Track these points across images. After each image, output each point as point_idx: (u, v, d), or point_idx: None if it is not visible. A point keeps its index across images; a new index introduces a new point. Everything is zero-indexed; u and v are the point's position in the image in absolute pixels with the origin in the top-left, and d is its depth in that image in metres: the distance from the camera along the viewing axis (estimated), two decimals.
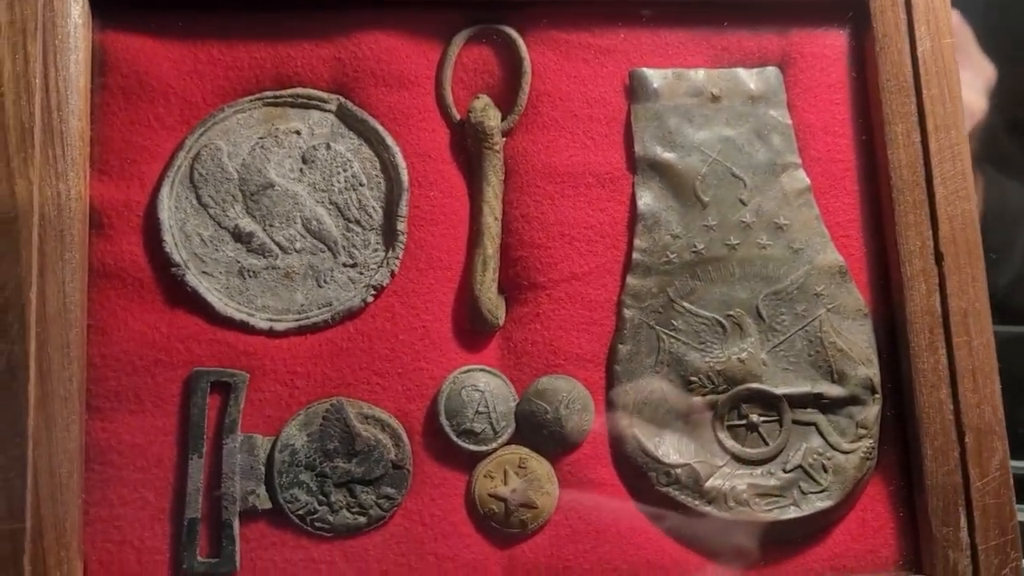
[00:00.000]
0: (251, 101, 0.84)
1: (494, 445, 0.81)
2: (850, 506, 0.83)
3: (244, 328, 0.80)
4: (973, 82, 1.06)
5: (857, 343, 0.84)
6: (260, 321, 0.81)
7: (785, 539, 0.82)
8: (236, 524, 0.77)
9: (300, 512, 0.78)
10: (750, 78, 0.88)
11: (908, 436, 0.84)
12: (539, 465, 0.81)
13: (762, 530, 0.81)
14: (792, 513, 0.81)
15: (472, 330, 0.83)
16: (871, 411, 0.84)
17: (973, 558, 0.80)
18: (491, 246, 0.83)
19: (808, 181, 0.87)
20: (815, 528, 0.82)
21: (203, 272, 0.81)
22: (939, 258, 0.83)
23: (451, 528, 0.79)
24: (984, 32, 1.06)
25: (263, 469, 0.78)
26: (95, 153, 0.81)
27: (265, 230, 0.82)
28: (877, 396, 0.84)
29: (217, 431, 0.78)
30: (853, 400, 0.83)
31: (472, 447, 0.80)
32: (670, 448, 0.82)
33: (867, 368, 0.84)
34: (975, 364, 0.82)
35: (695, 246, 0.85)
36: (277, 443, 0.78)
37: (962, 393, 0.81)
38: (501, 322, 0.83)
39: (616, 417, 0.82)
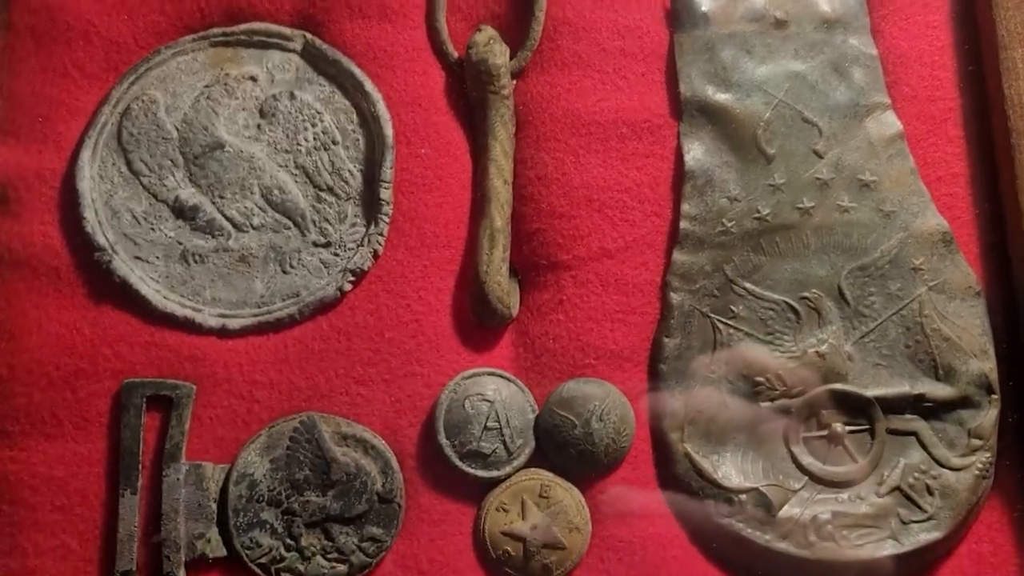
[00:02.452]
0: (195, 41, 0.80)
1: (508, 470, 0.76)
2: (962, 537, 0.77)
3: (189, 327, 0.76)
4: None
5: (968, 329, 0.78)
6: (209, 317, 0.76)
7: None
8: None
9: (262, 560, 0.73)
10: None
11: None
12: (566, 494, 0.75)
13: (852, 570, 0.74)
14: (890, 549, 0.75)
15: (478, 324, 0.79)
16: (987, 416, 0.77)
17: None
18: (500, 217, 0.78)
19: (900, 126, 0.82)
20: (919, 566, 0.76)
21: (135, 257, 0.77)
22: None
23: None
24: None
25: (214, 507, 0.73)
26: None
27: (213, 202, 0.78)
28: (995, 397, 0.77)
29: (156, 459, 0.74)
30: (964, 402, 0.77)
31: (480, 473, 0.75)
32: (732, 469, 0.77)
33: (981, 361, 0.78)
34: None
35: (758, 211, 0.80)
36: (232, 473, 0.74)
37: None
38: (514, 312, 0.79)
39: (662, 430, 0.77)
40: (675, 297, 0.78)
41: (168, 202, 0.77)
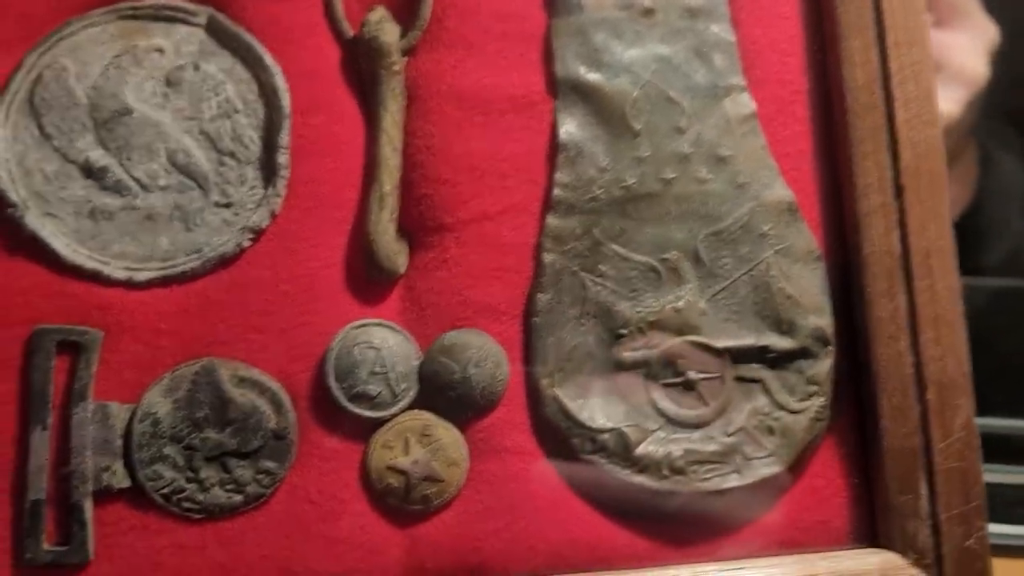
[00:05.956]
0: (104, 14, 0.78)
1: (393, 411, 0.76)
2: (799, 473, 0.80)
3: (97, 279, 0.75)
4: (973, 45, 1.01)
5: (808, 289, 0.80)
6: (116, 270, 0.75)
7: (726, 511, 0.78)
8: (88, 506, 0.72)
9: (164, 491, 0.73)
10: None
11: (863, 393, 0.80)
12: (446, 433, 0.77)
13: (700, 501, 0.77)
14: (734, 481, 0.78)
15: (367, 279, 0.79)
16: (823, 365, 0.80)
17: (934, 528, 0.77)
18: (389, 182, 0.79)
19: (754, 106, 0.83)
20: (760, 498, 0.79)
21: (46, 214, 0.76)
22: (899, 191, 0.79)
23: (343, 506, 0.75)
24: None
25: (120, 442, 0.73)
26: None
27: (121, 164, 0.77)
28: (830, 348, 0.80)
29: (65, 399, 0.73)
30: (803, 353, 0.80)
31: (367, 413, 0.76)
32: (596, 411, 0.78)
33: (819, 317, 0.80)
34: (938, 311, 0.78)
35: (625, 180, 0.81)
36: (137, 412, 0.74)
37: (923, 344, 0.78)
38: (401, 269, 0.79)
39: (534, 376, 0.78)
40: (548, 257, 0.79)
41: (78, 163, 0.76)
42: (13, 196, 0.75)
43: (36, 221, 0.75)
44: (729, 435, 0.78)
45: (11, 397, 0.73)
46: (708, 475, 0.78)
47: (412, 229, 0.80)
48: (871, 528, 0.79)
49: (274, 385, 0.75)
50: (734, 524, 0.78)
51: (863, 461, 0.80)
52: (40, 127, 0.76)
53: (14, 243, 0.75)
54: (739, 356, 0.79)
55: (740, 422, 0.78)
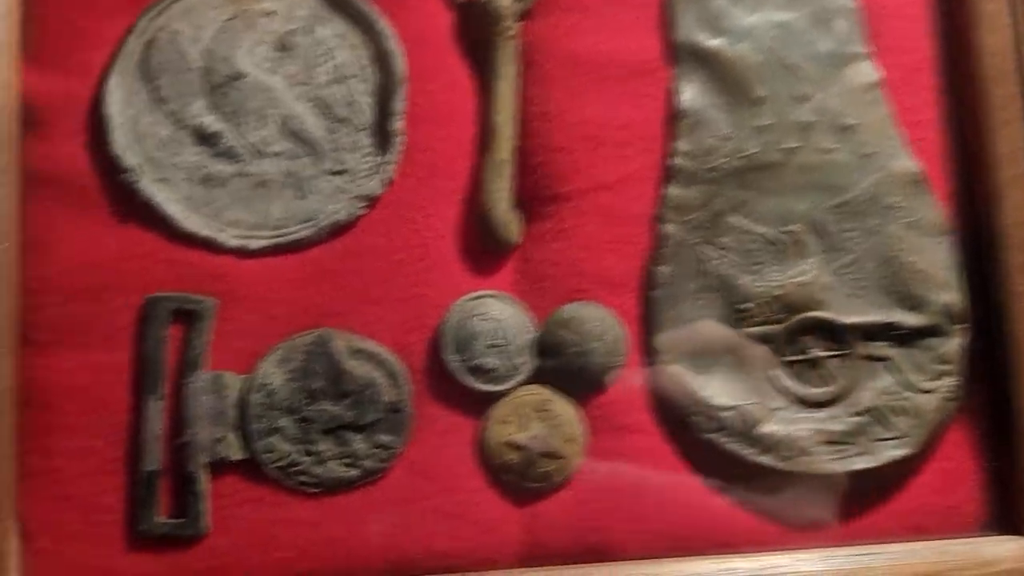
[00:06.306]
0: None
1: (510, 384, 0.75)
2: (929, 455, 0.77)
3: (210, 246, 0.75)
4: None
5: (937, 264, 0.78)
6: (229, 238, 0.75)
7: (853, 494, 0.76)
8: (203, 477, 0.72)
9: (280, 463, 0.73)
10: None
11: (998, 372, 0.78)
12: (563, 408, 0.75)
13: (826, 484, 0.76)
14: (861, 463, 0.75)
15: (482, 249, 0.78)
16: (954, 343, 0.77)
17: None
18: (504, 150, 0.78)
19: (879, 74, 0.81)
20: (888, 481, 0.77)
21: (160, 179, 0.76)
22: None
23: (459, 482, 0.75)
24: None
25: (234, 413, 0.73)
26: (27, 36, 0.76)
27: (234, 130, 0.77)
28: (962, 325, 0.77)
29: (179, 368, 0.73)
30: (933, 331, 0.77)
31: (484, 387, 0.75)
32: (717, 388, 0.76)
33: (949, 293, 0.78)
34: None
35: (746, 150, 0.79)
36: (251, 382, 0.73)
37: None
38: (516, 240, 0.78)
39: (653, 352, 0.77)
40: (667, 228, 0.77)
41: (191, 128, 0.76)
42: (127, 160, 0.75)
43: (150, 187, 0.75)
44: (856, 415, 0.76)
45: (125, 367, 0.74)
46: (834, 456, 0.76)
47: (527, 199, 0.79)
48: (1006, 515, 0.77)
49: (390, 357, 0.75)
50: (860, 508, 0.76)
51: (997, 443, 0.78)
52: (153, 91, 0.76)
53: (127, 210, 0.75)
54: (866, 333, 0.77)
55: (867, 402, 0.76)
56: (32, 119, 0.75)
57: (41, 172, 0.75)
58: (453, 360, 0.75)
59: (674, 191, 0.79)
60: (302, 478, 0.73)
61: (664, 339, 0.77)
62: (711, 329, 0.77)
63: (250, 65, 0.77)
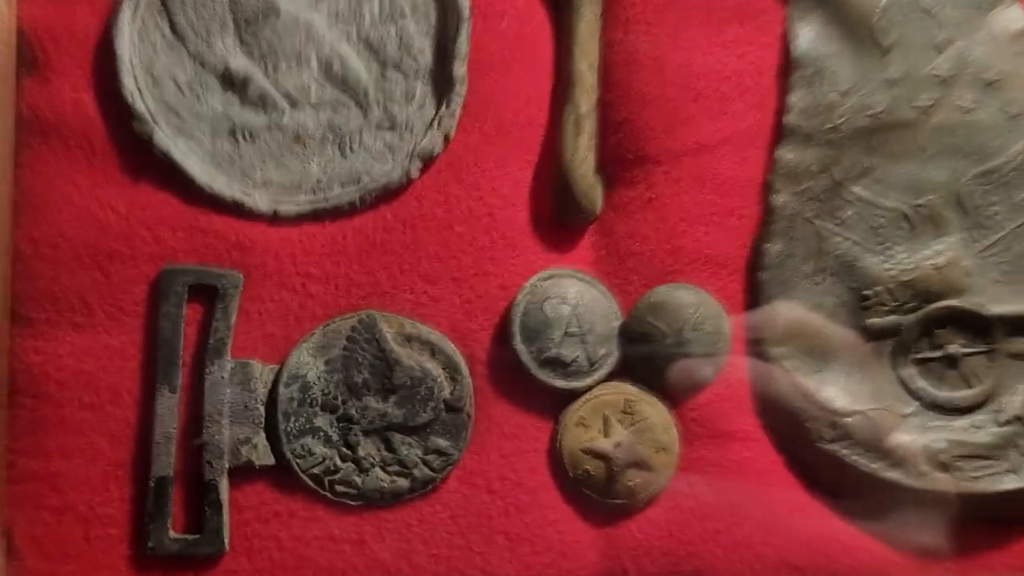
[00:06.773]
0: None
1: (589, 381, 0.73)
2: None
3: (237, 211, 0.72)
4: None
5: None
6: (259, 201, 0.72)
7: (998, 517, 0.73)
8: (224, 486, 0.69)
9: (314, 470, 0.70)
10: None
11: None
12: (652, 410, 0.72)
13: (967, 505, 0.72)
14: (1011, 483, 0.71)
15: (557, 221, 0.75)
16: None
17: None
18: (585, 102, 0.74)
19: None
20: None
21: (179, 131, 0.72)
22: None
23: (529, 497, 0.72)
24: None
25: (262, 410, 0.70)
26: None
27: (267, 74, 0.73)
28: None
29: (197, 355, 0.71)
30: None
31: (560, 383, 0.72)
32: (837, 390, 0.73)
33: None
34: None
35: (872, 107, 0.76)
36: (283, 373, 0.71)
37: None
38: (598, 210, 0.75)
39: (761, 345, 0.74)
40: (778, 199, 0.74)
41: (216, 71, 0.73)
42: (140, 107, 0.71)
43: (166, 140, 0.72)
44: (1002, 424, 0.73)
45: (134, 351, 0.71)
46: (978, 473, 0.72)
47: (610, 162, 0.76)
48: None
49: (448, 346, 0.72)
50: (1007, 535, 0.72)
51: None
52: (172, 25, 0.73)
53: (140, 166, 0.72)
54: (1014, 327, 0.73)
55: (1016, 409, 0.73)
56: (29, 57, 0.73)
57: (38, 118, 0.72)
58: (522, 351, 0.72)
59: (787, 154, 0.75)
60: (340, 488, 0.70)
61: (774, 330, 0.74)
62: (829, 319, 0.74)
63: None
